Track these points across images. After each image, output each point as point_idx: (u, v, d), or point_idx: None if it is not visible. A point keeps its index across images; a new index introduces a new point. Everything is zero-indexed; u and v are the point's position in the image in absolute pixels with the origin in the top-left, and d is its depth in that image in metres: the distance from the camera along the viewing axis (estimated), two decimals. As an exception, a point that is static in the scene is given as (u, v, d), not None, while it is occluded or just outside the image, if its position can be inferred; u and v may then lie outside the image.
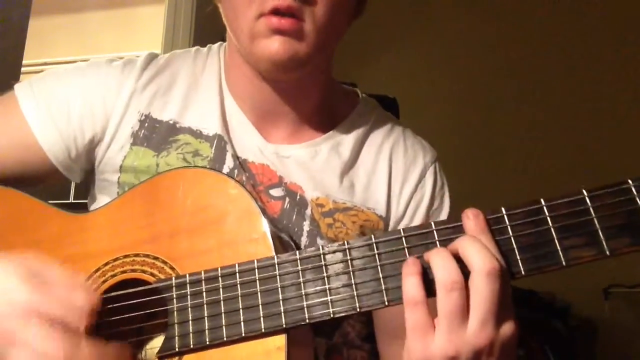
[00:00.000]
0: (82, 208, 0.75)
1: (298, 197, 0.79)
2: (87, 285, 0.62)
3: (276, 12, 0.69)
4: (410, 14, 3.01)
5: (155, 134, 0.79)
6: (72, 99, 0.79)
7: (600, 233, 0.53)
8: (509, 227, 0.56)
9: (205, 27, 2.64)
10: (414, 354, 0.54)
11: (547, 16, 2.97)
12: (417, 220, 0.83)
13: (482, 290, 0.51)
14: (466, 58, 3.04)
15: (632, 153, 2.49)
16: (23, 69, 1.70)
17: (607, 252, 0.53)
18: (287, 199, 0.78)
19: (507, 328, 0.53)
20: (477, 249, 0.52)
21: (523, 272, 0.55)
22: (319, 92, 0.84)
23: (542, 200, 0.55)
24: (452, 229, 0.57)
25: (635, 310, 2.62)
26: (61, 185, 0.88)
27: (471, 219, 0.55)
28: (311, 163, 0.81)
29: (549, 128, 2.86)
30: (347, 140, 0.84)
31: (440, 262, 0.53)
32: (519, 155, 2.86)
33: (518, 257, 0.55)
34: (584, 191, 0.54)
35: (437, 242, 0.57)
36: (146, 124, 0.80)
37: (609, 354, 2.61)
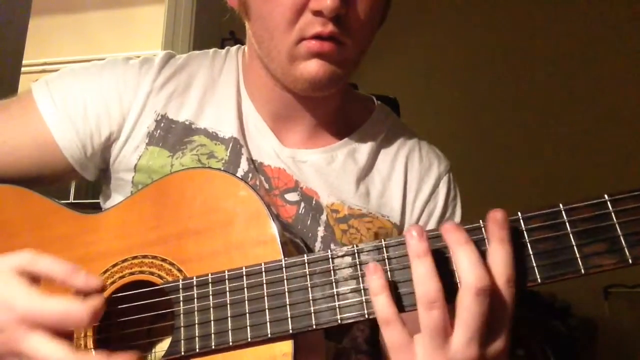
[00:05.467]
0: (82, 208, 0.75)
1: (314, 203, 0.78)
2: (91, 283, 0.61)
3: (318, 37, 0.69)
4: (410, 14, 3.00)
5: (171, 134, 0.79)
6: (88, 97, 0.78)
7: (622, 240, 0.51)
8: (525, 232, 0.53)
9: (205, 27, 2.63)
10: None
11: (551, 15, 2.97)
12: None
13: (469, 308, 0.49)
14: (467, 58, 3.04)
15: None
16: (23, 69, 1.70)
17: (630, 261, 0.50)
18: (303, 204, 0.78)
19: (496, 346, 0.52)
20: (469, 263, 0.50)
21: (539, 280, 0.52)
22: (337, 99, 0.84)
23: (560, 205, 0.53)
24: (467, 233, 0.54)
25: (635, 310, 2.62)
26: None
27: (499, 223, 0.51)
28: (327, 168, 0.81)
29: (552, 129, 2.86)
30: (364, 147, 0.84)
31: (420, 275, 0.51)
32: (521, 155, 2.85)
33: (534, 264, 0.53)
34: (606, 195, 0.52)
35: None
36: (162, 124, 0.80)
37: (609, 354, 2.61)
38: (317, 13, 0.68)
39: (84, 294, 0.60)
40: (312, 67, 0.70)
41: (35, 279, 0.60)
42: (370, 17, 0.72)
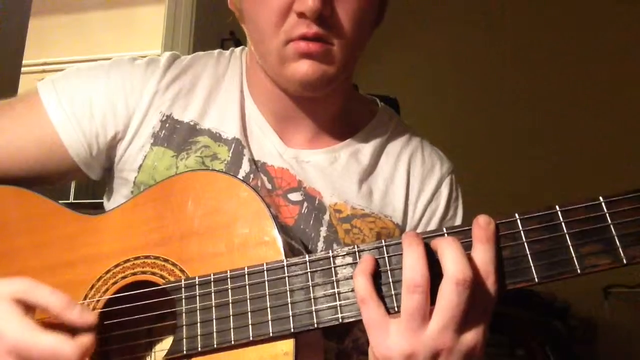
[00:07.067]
0: (82, 208, 0.75)
1: (317, 202, 0.79)
2: (85, 318, 0.61)
3: (304, 38, 0.70)
4: (411, 14, 3.01)
5: (176, 134, 0.80)
6: (94, 96, 0.79)
7: (617, 240, 0.52)
8: (522, 232, 0.55)
9: (205, 27, 2.64)
10: (375, 349, 0.55)
11: (552, 15, 2.97)
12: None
13: (447, 296, 0.51)
14: (467, 58, 3.04)
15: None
16: (23, 69, 1.70)
17: (624, 261, 0.51)
18: (306, 204, 0.78)
19: (471, 337, 0.53)
20: (453, 256, 0.52)
21: (536, 280, 0.53)
22: (340, 100, 0.84)
23: (556, 206, 0.54)
24: (464, 234, 0.56)
25: (635, 310, 2.62)
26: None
27: (481, 226, 0.54)
28: (330, 169, 0.82)
29: (551, 130, 2.86)
30: (366, 148, 0.85)
31: (409, 261, 0.53)
32: (521, 155, 2.85)
33: (531, 264, 0.54)
34: (601, 197, 0.53)
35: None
36: (167, 125, 0.80)
37: (609, 354, 2.61)
38: (301, 15, 0.68)
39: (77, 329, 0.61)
40: (302, 68, 0.71)
41: (29, 308, 0.61)
42: (358, 16, 0.72)
